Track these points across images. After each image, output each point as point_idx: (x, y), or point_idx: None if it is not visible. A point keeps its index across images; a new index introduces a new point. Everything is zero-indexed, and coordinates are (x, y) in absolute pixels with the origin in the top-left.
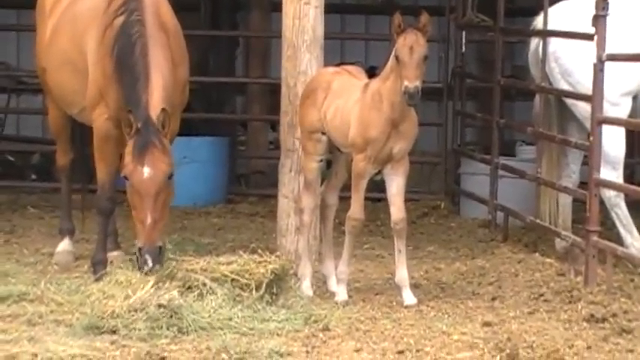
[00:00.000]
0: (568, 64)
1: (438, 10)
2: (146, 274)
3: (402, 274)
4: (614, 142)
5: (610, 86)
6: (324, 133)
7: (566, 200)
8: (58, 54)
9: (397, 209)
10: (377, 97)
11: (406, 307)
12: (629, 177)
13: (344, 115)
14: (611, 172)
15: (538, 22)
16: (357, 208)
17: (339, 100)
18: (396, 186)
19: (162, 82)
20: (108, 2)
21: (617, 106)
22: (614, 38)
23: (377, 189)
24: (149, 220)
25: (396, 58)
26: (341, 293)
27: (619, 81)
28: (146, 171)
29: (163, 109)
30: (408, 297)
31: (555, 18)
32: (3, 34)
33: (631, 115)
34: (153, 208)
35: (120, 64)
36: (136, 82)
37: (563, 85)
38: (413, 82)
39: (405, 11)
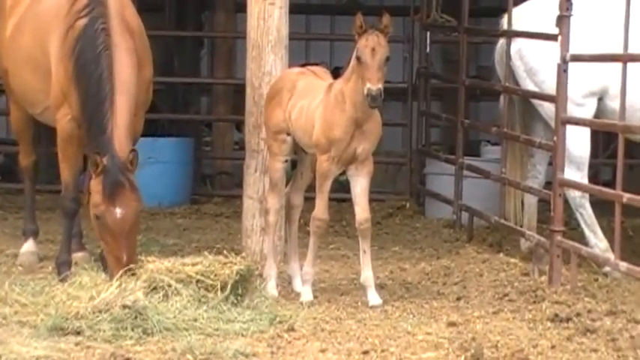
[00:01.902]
0: (533, 62)
1: (402, 10)
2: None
3: (367, 275)
4: (578, 143)
5: (574, 87)
6: (289, 134)
7: (531, 200)
8: (20, 53)
9: (362, 209)
10: (340, 97)
11: (371, 307)
12: (593, 177)
13: (308, 116)
14: (576, 172)
15: (504, 21)
16: (321, 209)
17: (304, 101)
18: (360, 186)
19: (127, 106)
20: (71, 2)
21: (581, 106)
22: (579, 39)
23: (342, 189)
24: (125, 258)
25: (358, 59)
26: (306, 294)
27: (583, 81)
28: (119, 212)
29: (133, 150)
30: (373, 297)
31: (521, 17)
32: None
33: (596, 116)
34: (128, 245)
35: (81, 71)
36: (100, 106)
37: (529, 84)
38: (375, 85)
39: (370, 11)
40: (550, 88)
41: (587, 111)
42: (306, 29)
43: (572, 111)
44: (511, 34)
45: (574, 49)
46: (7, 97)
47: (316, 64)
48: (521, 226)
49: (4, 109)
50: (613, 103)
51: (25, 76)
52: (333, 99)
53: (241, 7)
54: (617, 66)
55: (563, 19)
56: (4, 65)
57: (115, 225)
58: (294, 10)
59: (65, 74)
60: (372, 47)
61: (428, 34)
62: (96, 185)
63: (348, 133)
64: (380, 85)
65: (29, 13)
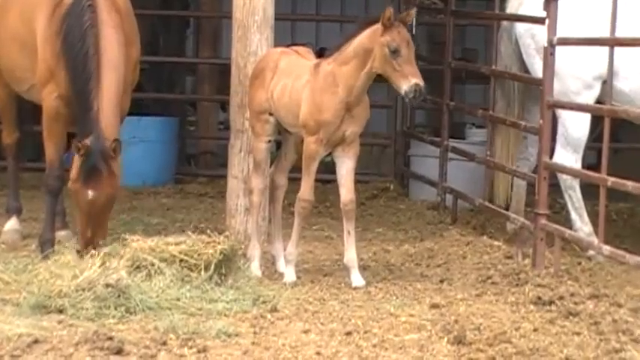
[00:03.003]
0: (544, 41)
1: None
2: None
3: (350, 256)
4: (578, 125)
5: (585, 69)
6: (271, 114)
7: (520, 182)
8: (6, 32)
9: (347, 191)
10: (330, 79)
11: (355, 288)
12: None
13: (293, 95)
14: (572, 154)
15: (509, 4)
16: (306, 190)
17: (287, 80)
18: (345, 168)
19: (115, 84)
20: None
21: (590, 88)
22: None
23: (327, 171)
24: (89, 234)
25: (392, 51)
26: (289, 274)
27: (594, 63)
28: (91, 194)
29: (116, 140)
30: (357, 279)
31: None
32: None
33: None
34: (96, 224)
35: (68, 49)
36: (86, 84)
37: (537, 63)
38: (421, 79)
39: None
40: (560, 66)
41: (594, 93)
42: (292, 10)
43: (581, 92)
44: (496, 17)
45: (587, 32)
46: None
47: (302, 45)
48: (507, 209)
49: None
50: (621, 84)
51: (12, 54)
52: (322, 81)
53: None
54: (626, 50)
55: (550, 3)
56: None
57: (86, 206)
58: None
59: (52, 52)
60: (407, 40)
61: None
62: (76, 162)
63: (338, 116)
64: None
65: None
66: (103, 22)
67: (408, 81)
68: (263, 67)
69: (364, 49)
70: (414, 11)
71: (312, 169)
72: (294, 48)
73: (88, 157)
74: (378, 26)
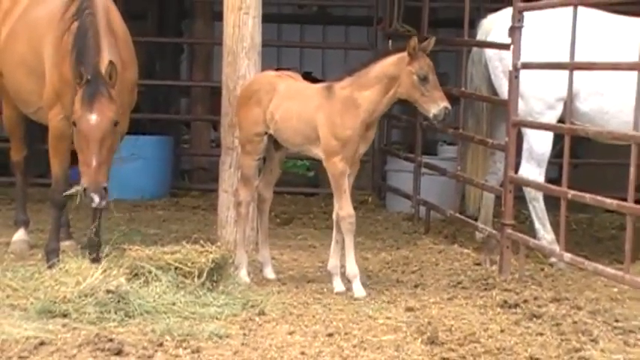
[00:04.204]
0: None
1: (366, 20)
2: (94, 210)
3: (335, 263)
4: (541, 141)
5: (548, 90)
6: (266, 133)
7: (488, 195)
8: (14, 57)
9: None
10: (350, 102)
11: (356, 299)
12: None
13: (302, 117)
14: (536, 168)
15: (482, 26)
16: (345, 206)
17: (291, 102)
18: (348, 183)
19: (112, 46)
20: (64, 9)
21: (553, 108)
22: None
23: (309, 184)
24: (94, 162)
25: (422, 78)
26: (357, 290)
27: (556, 86)
28: (93, 118)
29: (110, 62)
30: (337, 285)
31: (495, 26)
32: None
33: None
34: (99, 152)
35: (78, 60)
36: (87, 50)
37: (504, 85)
38: (447, 102)
39: (337, 21)
40: (525, 88)
41: (556, 113)
42: (277, 37)
43: (544, 112)
44: (464, 44)
45: (551, 56)
46: (0, 97)
47: (287, 69)
48: (476, 219)
49: None
50: (582, 106)
51: (20, 78)
52: (340, 104)
53: (218, 16)
54: (586, 74)
55: (515, 30)
56: None
57: (89, 130)
58: (266, 19)
59: (60, 77)
60: (432, 67)
61: (390, 42)
62: (78, 95)
63: (359, 135)
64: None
65: (23, 20)
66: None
67: (437, 105)
68: (257, 89)
69: (389, 76)
70: (432, 40)
71: (344, 187)
72: (285, 72)
73: (89, 84)
74: (403, 55)
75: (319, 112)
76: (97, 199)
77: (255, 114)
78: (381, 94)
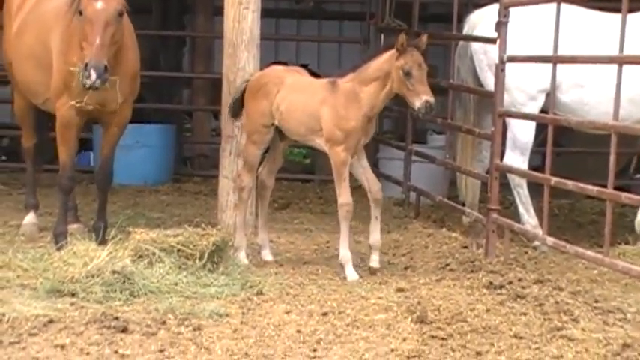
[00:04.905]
0: (496, 57)
1: (359, 15)
2: (89, 87)
3: (376, 237)
4: (525, 131)
5: (531, 82)
6: (272, 124)
7: (475, 182)
8: (23, 49)
9: (373, 181)
10: (352, 95)
11: (374, 269)
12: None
13: (307, 109)
14: (520, 156)
15: (466, 25)
16: (345, 195)
17: (297, 95)
18: (362, 165)
19: None
20: (71, 2)
21: (534, 99)
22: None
23: (305, 171)
24: (97, 42)
25: (407, 73)
26: (350, 274)
27: (538, 78)
28: (99, 4)
29: None
30: (375, 261)
31: (481, 21)
32: None
33: (545, 108)
34: (102, 34)
35: None
36: None
37: (488, 77)
38: (432, 97)
39: (332, 16)
40: (508, 80)
41: (538, 104)
42: (275, 31)
43: (527, 103)
44: (453, 38)
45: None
46: (12, 87)
47: (284, 63)
48: (463, 205)
49: (10, 98)
50: (563, 97)
51: (29, 69)
52: (343, 97)
53: (219, 11)
54: (567, 66)
55: (501, 25)
56: (10, 59)
57: (94, 14)
58: (265, 13)
59: (65, 66)
60: (419, 62)
61: (382, 36)
62: None
63: (362, 126)
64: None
65: (32, 15)
66: None
67: (420, 98)
68: (266, 82)
69: (384, 71)
70: (425, 37)
71: (345, 176)
72: (293, 67)
73: None
74: (394, 51)
75: (324, 106)
76: (94, 75)
77: (262, 106)
78: (379, 89)
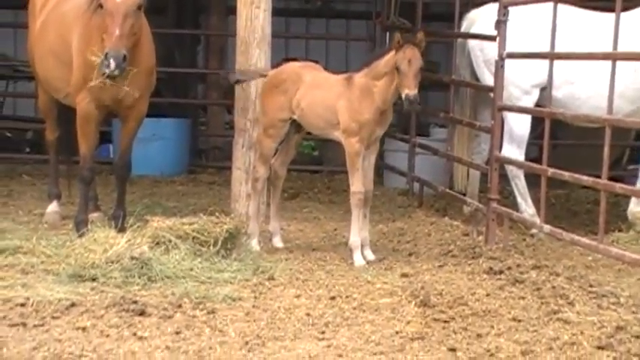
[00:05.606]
0: (491, 54)
1: (365, 14)
2: (108, 76)
3: (363, 235)
4: (521, 124)
5: (525, 78)
6: (291, 119)
7: (475, 172)
8: (45, 46)
9: (368, 181)
10: (366, 89)
11: (370, 261)
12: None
13: (326, 103)
14: (516, 149)
15: (464, 23)
16: (357, 184)
17: (317, 91)
18: (368, 161)
19: None
20: (88, 3)
21: (529, 94)
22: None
23: (313, 162)
24: (117, 32)
25: (397, 69)
26: (357, 259)
27: (533, 74)
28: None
29: None
30: (369, 254)
31: (479, 19)
32: (2, 31)
33: (539, 103)
34: (122, 25)
35: None
36: None
37: (485, 72)
38: (413, 91)
39: (339, 15)
40: (504, 76)
41: (533, 98)
42: (285, 29)
43: (521, 98)
44: (454, 36)
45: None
46: (36, 82)
47: (294, 59)
48: (464, 194)
49: (34, 92)
50: (555, 93)
51: (50, 66)
52: (358, 91)
53: (232, 11)
54: (558, 64)
55: (500, 23)
56: (33, 56)
57: (114, 6)
58: (275, 12)
59: (84, 61)
60: (409, 59)
61: (387, 34)
62: None
63: (375, 118)
64: (416, 91)
65: (53, 14)
66: None
67: (403, 91)
68: (285, 79)
69: (389, 67)
70: (420, 34)
71: (358, 165)
72: (309, 64)
73: None
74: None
75: (340, 99)
76: (113, 64)
77: (281, 101)
78: (389, 84)
